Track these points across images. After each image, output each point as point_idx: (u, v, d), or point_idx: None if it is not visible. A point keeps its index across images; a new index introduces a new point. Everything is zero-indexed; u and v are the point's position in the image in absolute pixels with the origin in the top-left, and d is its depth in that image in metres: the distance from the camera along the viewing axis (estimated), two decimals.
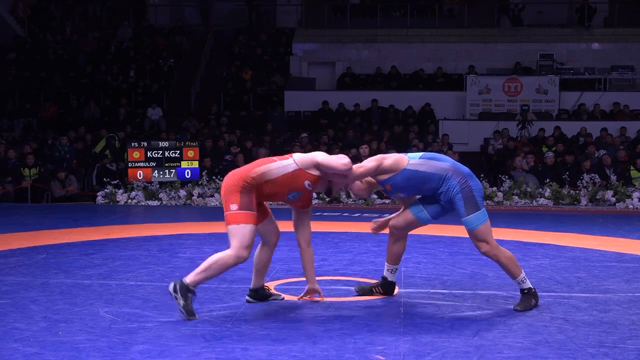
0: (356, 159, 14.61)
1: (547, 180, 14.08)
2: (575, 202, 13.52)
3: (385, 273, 5.82)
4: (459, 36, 22.63)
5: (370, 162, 5.39)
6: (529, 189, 13.77)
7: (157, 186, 14.28)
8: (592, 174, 14.07)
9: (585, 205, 13.43)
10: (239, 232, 5.06)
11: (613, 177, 14.16)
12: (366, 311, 5.34)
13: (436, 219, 5.65)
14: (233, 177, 5.19)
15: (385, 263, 5.81)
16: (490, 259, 5.56)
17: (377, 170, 5.38)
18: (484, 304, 5.56)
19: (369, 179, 5.55)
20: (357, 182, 5.49)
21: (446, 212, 5.61)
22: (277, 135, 18.39)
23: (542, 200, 13.56)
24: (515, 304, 5.47)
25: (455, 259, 7.63)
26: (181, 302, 4.98)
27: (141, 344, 4.45)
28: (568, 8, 24.28)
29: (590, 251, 8.26)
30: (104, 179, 14.76)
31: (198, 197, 13.89)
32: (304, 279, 5.75)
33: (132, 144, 14.64)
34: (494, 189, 13.97)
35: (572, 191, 13.72)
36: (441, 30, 22.99)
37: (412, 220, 5.62)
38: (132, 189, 14.20)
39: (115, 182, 14.44)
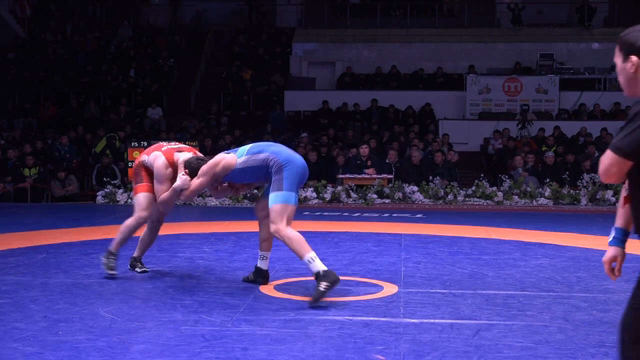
0: (356, 159, 14.65)
1: (547, 180, 14.08)
2: (575, 202, 13.52)
3: (258, 262, 6.22)
4: (459, 36, 22.62)
5: (199, 179, 6.01)
6: (528, 189, 13.78)
7: None
8: (592, 174, 14.07)
9: (585, 205, 13.43)
10: (137, 200, 6.51)
11: None
12: (366, 311, 5.34)
13: None
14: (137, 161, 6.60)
15: (258, 251, 6.23)
16: (281, 240, 5.68)
17: (213, 178, 5.98)
18: (483, 304, 5.56)
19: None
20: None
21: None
22: (277, 135, 18.40)
23: (542, 200, 13.56)
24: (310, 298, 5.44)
25: (455, 259, 7.63)
26: (104, 260, 6.43)
27: (141, 344, 4.45)
28: (568, 8, 24.29)
29: (590, 251, 8.26)
30: (104, 179, 14.76)
31: (197, 197, 13.89)
32: (304, 278, 5.75)
33: (132, 144, 14.64)
34: (494, 188, 13.97)
35: (572, 191, 13.72)
36: (441, 30, 22.99)
37: (266, 203, 5.85)
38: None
39: (115, 181, 14.44)
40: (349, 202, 13.65)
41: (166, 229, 9.85)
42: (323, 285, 5.34)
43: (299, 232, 5.65)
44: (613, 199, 13.43)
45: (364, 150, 14.67)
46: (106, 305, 5.38)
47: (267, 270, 6.20)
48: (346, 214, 12.16)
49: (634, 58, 2.65)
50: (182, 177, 6.04)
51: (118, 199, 14.03)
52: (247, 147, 5.92)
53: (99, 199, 14.20)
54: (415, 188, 13.79)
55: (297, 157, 5.80)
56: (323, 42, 23.03)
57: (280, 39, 23.78)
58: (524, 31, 22.97)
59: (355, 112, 19.87)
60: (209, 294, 5.83)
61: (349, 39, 22.85)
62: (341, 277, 6.27)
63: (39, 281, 6.31)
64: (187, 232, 9.77)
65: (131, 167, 14.45)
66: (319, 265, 5.42)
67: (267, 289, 6.02)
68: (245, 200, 13.42)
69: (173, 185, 6.08)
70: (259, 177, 5.88)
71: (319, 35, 23.17)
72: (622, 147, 2.58)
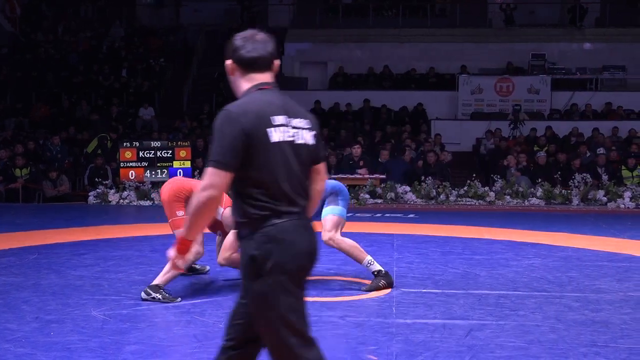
0: (349, 159, 14.65)
1: (539, 180, 14.11)
2: (567, 202, 13.55)
3: None
4: (451, 36, 22.63)
5: None
6: (520, 189, 13.80)
7: (149, 186, 14.24)
8: (584, 174, 14.10)
9: (577, 204, 13.46)
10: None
11: (604, 177, 14.19)
12: (358, 311, 5.35)
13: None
14: (173, 188, 5.99)
15: None
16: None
17: None
18: (476, 304, 5.57)
19: None
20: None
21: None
22: None
23: (534, 200, 13.59)
24: (364, 286, 6.07)
25: (447, 259, 7.64)
26: (159, 297, 5.52)
27: (133, 344, 4.45)
28: (560, 8, 24.32)
29: (582, 251, 8.29)
30: (96, 179, 14.72)
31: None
32: None
33: (124, 144, 14.61)
34: (486, 188, 13.99)
35: (563, 191, 13.75)
36: (433, 29, 22.98)
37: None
38: (124, 189, 14.17)
39: (107, 182, 14.41)
40: None
41: (158, 230, 9.84)
42: (382, 282, 6.02)
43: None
44: (605, 198, 13.46)
45: (357, 150, 14.67)
46: (98, 306, 5.37)
47: None
48: None
49: (228, 62, 2.91)
50: None
51: (110, 199, 13.99)
52: None
53: (91, 199, 14.17)
54: (408, 188, 13.80)
55: (341, 184, 6.30)
56: (315, 42, 23.01)
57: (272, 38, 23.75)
58: (515, 31, 22.98)
59: (347, 112, 19.87)
60: (202, 295, 5.83)
61: (341, 39, 22.83)
62: (333, 278, 6.29)
63: (30, 282, 6.29)
64: None
65: (123, 167, 14.59)
66: (379, 266, 6.08)
67: None
68: None
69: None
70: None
71: (311, 35, 23.14)
72: (221, 160, 2.71)
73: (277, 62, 2.96)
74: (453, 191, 13.87)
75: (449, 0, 24.19)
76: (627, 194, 13.42)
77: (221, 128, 2.73)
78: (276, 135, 2.78)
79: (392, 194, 13.67)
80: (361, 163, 14.46)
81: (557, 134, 17.87)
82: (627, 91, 20.92)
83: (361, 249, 6.12)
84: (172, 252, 2.89)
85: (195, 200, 2.72)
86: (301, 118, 2.90)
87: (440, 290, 6.06)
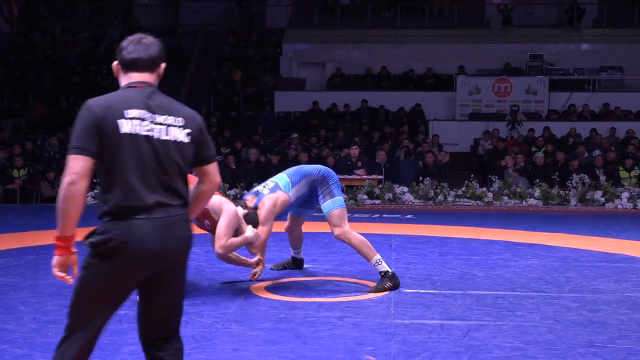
0: (346, 159, 14.65)
1: (537, 180, 14.11)
2: (564, 203, 13.55)
3: (293, 254, 6.92)
4: (449, 36, 22.63)
5: (266, 225, 6.09)
6: (518, 189, 13.80)
7: None
8: (582, 174, 14.11)
9: (575, 205, 13.46)
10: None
11: (602, 178, 14.20)
12: (356, 312, 5.35)
13: (311, 209, 6.65)
14: None
15: (291, 249, 6.92)
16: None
17: (274, 219, 6.22)
18: (474, 304, 5.58)
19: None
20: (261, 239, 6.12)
21: (315, 202, 6.45)
22: (267, 136, 18.37)
23: (531, 201, 13.59)
24: (370, 287, 6.07)
25: (445, 260, 7.64)
26: None
27: (131, 345, 4.44)
28: (557, 9, 24.34)
29: (580, 251, 8.29)
30: (94, 180, 14.68)
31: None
32: (295, 279, 5.74)
33: None
34: (484, 189, 13.99)
35: (561, 191, 13.75)
36: (431, 30, 22.97)
37: (297, 222, 6.73)
38: None
39: None
40: None
41: None
42: (389, 284, 6.00)
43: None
44: (602, 199, 13.47)
45: (354, 151, 14.66)
46: None
47: (302, 259, 6.98)
48: None
49: (114, 63, 3.05)
50: (253, 230, 5.89)
51: None
52: (283, 180, 6.28)
53: (89, 199, 14.14)
54: (406, 189, 13.80)
55: (329, 169, 6.47)
56: (313, 42, 23.00)
57: (270, 39, 23.74)
58: (513, 32, 22.99)
59: (345, 112, 19.86)
60: (199, 295, 5.82)
61: (339, 40, 22.82)
62: (331, 278, 6.29)
63: (28, 282, 6.29)
64: None
65: None
66: (386, 266, 6.09)
67: (258, 290, 6.02)
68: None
69: (246, 236, 5.84)
70: (304, 201, 6.41)
71: (309, 36, 23.13)
72: (77, 145, 2.82)
73: (162, 65, 3.13)
74: (451, 192, 13.86)
75: (447, 1, 24.20)
76: (625, 195, 13.43)
77: (78, 119, 2.87)
78: (127, 126, 2.85)
79: (390, 195, 13.67)
80: (359, 164, 14.46)
81: (555, 134, 17.88)
82: (625, 92, 20.93)
83: (371, 247, 6.11)
84: (54, 261, 2.96)
85: (60, 192, 2.80)
86: (173, 116, 2.96)
87: (438, 291, 6.06)
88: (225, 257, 5.89)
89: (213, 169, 3.08)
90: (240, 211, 5.95)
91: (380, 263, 6.05)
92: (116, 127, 2.84)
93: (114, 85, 17.62)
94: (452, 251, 8.24)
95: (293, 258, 6.95)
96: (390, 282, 6.01)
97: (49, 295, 5.78)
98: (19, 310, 5.29)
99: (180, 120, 2.98)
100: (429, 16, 23.89)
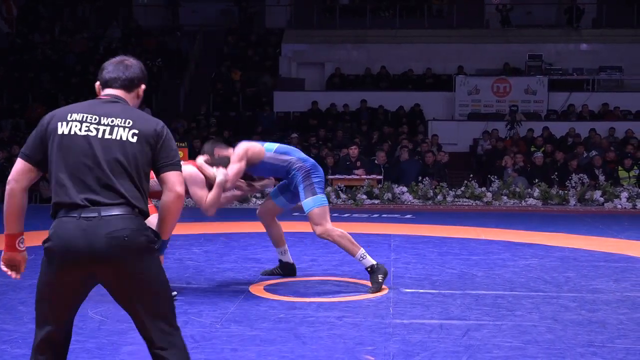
0: (345, 160, 14.66)
1: (536, 180, 14.12)
2: (564, 202, 13.55)
3: (279, 257, 6.55)
4: (448, 37, 22.63)
5: (236, 164, 5.90)
6: (517, 189, 13.80)
7: None
8: (581, 174, 14.12)
9: (574, 205, 13.47)
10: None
11: (601, 178, 14.21)
12: (355, 311, 5.35)
13: (291, 203, 6.35)
14: None
15: (275, 249, 6.58)
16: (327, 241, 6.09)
17: (247, 164, 5.99)
18: (473, 304, 5.58)
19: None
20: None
21: (295, 197, 6.22)
22: (267, 136, 18.36)
23: (531, 201, 13.59)
24: (369, 288, 5.94)
25: (444, 259, 7.64)
26: None
27: (130, 345, 4.45)
28: (556, 9, 24.35)
29: (579, 251, 8.30)
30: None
31: (187, 198, 13.85)
32: (294, 279, 5.75)
33: None
34: (483, 189, 13.99)
35: (560, 191, 13.75)
36: (430, 30, 22.98)
37: (272, 206, 6.39)
38: None
39: None
40: (339, 202, 13.64)
41: None
42: (380, 277, 5.93)
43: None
44: (601, 199, 13.47)
45: (354, 151, 14.67)
46: (95, 307, 5.36)
47: (293, 263, 6.59)
48: (336, 214, 12.12)
49: (96, 83, 3.12)
50: (221, 171, 5.77)
51: None
52: (274, 145, 6.18)
53: None
54: (405, 189, 13.80)
55: (318, 164, 6.23)
56: (312, 42, 22.99)
57: (269, 39, 23.75)
58: (512, 32, 22.99)
59: (344, 112, 19.86)
60: (198, 295, 5.83)
61: (338, 40, 22.82)
62: (331, 278, 6.29)
63: (27, 283, 6.26)
64: (177, 233, 9.71)
65: None
66: (371, 260, 5.97)
67: (257, 290, 6.03)
68: (235, 202, 13.38)
69: (216, 182, 5.73)
70: (274, 174, 6.27)
71: (308, 36, 23.13)
72: (23, 151, 3.01)
73: (142, 87, 3.16)
74: (450, 192, 13.87)
75: (446, 1, 24.20)
76: (624, 195, 13.43)
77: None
78: (64, 128, 2.93)
79: (389, 195, 13.67)
80: (358, 164, 14.47)
81: (554, 134, 17.88)
82: (624, 92, 20.94)
83: (354, 241, 6.01)
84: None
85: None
86: (121, 118, 2.96)
87: (437, 291, 6.07)
88: (216, 208, 5.87)
89: (172, 177, 2.99)
90: (201, 159, 5.90)
91: (364, 257, 5.95)
92: (55, 129, 2.93)
93: None
94: (451, 251, 8.24)
95: (281, 263, 6.60)
96: (379, 274, 5.94)
97: None
98: (18, 310, 5.29)
99: (128, 122, 2.96)
100: (428, 16, 23.90)
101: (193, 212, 12.98)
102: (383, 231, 9.91)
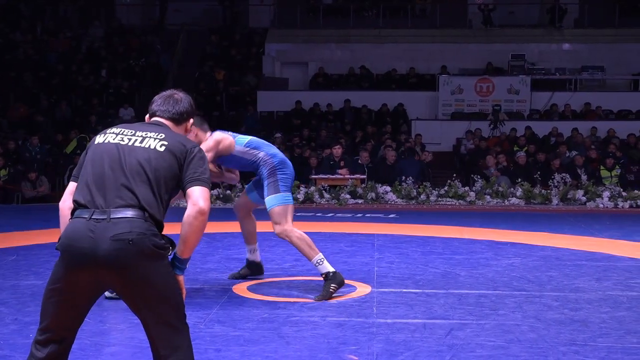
0: (329, 159, 14.66)
1: (519, 179, 14.17)
2: (546, 202, 13.61)
3: (247, 255, 6.45)
4: (431, 36, 22.69)
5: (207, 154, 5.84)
6: (500, 189, 13.85)
7: None
8: (563, 174, 14.19)
9: (557, 204, 13.53)
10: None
11: (584, 177, 14.29)
12: (339, 311, 5.35)
13: (264, 198, 6.02)
14: None
15: (245, 246, 6.45)
16: (286, 241, 5.86)
17: (217, 155, 5.88)
18: (456, 303, 5.59)
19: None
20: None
21: None
22: (250, 135, 18.31)
23: (513, 200, 13.64)
24: (316, 296, 5.71)
25: (427, 259, 7.66)
26: None
27: (113, 346, 4.42)
28: (539, 9, 24.45)
29: (562, 250, 8.33)
30: None
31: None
32: (277, 279, 5.73)
33: None
34: (466, 188, 14.03)
35: (543, 191, 13.81)
36: (414, 30, 23.03)
37: (246, 201, 6.30)
38: None
39: None
40: (322, 202, 13.65)
41: None
42: (332, 286, 5.67)
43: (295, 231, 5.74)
44: (584, 198, 13.54)
45: (337, 150, 14.68)
46: None
47: (260, 262, 6.49)
48: (319, 214, 12.15)
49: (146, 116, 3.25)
50: None
51: None
52: (246, 138, 6.05)
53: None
54: (388, 188, 13.82)
55: (288, 161, 6.05)
56: (296, 42, 22.99)
57: (253, 39, 23.72)
58: (495, 32, 23.08)
59: (328, 112, 19.87)
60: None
61: (322, 40, 22.83)
62: (314, 278, 6.29)
63: (9, 283, 6.24)
64: (170, 233, 9.70)
65: None
66: (328, 267, 5.73)
67: (240, 290, 6.01)
68: (218, 201, 13.37)
69: None
70: (243, 168, 6.13)
71: (291, 36, 23.12)
72: (73, 173, 3.14)
73: (190, 121, 3.27)
74: (433, 191, 13.89)
75: (430, 1, 24.25)
76: (606, 194, 13.51)
77: None
78: (100, 138, 3.07)
79: (373, 194, 13.69)
80: (342, 163, 14.47)
81: (537, 134, 17.97)
82: (606, 91, 21.07)
83: (312, 245, 5.76)
84: None
85: None
86: (155, 132, 3.06)
87: (420, 290, 6.08)
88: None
89: (196, 192, 2.99)
90: None
91: (321, 263, 5.70)
92: (93, 142, 3.08)
93: (95, 86, 17.57)
94: (434, 250, 8.26)
95: (248, 262, 6.47)
96: (333, 283, 5.67)
97: (30, 296, 5.74)
98: (0, 312, 5.25)
99: (161, 135, 3.04)
100: (412, 16, 23.94)
101: (175, 211, 12.96)
102: (367, 231, 9.92)
